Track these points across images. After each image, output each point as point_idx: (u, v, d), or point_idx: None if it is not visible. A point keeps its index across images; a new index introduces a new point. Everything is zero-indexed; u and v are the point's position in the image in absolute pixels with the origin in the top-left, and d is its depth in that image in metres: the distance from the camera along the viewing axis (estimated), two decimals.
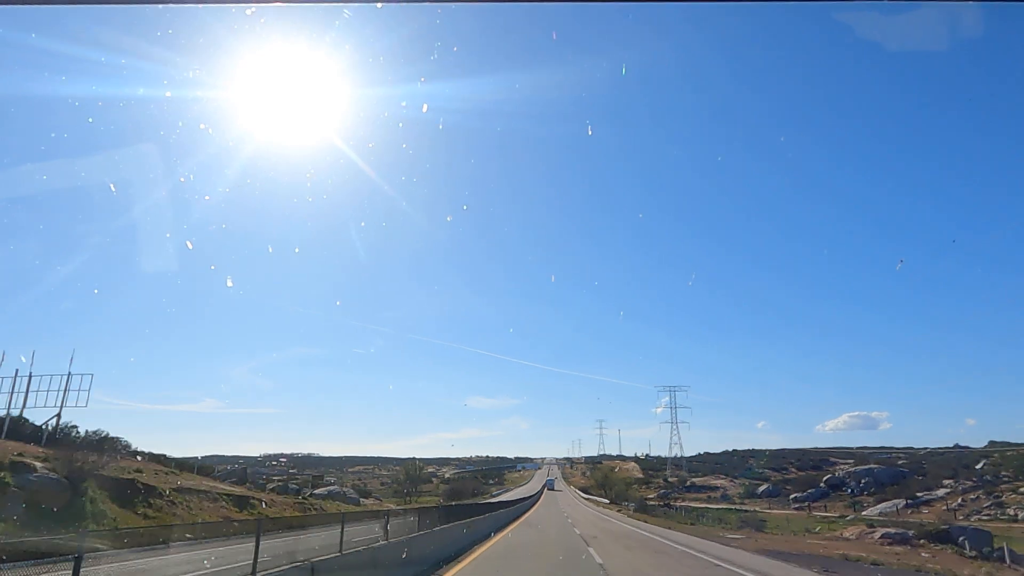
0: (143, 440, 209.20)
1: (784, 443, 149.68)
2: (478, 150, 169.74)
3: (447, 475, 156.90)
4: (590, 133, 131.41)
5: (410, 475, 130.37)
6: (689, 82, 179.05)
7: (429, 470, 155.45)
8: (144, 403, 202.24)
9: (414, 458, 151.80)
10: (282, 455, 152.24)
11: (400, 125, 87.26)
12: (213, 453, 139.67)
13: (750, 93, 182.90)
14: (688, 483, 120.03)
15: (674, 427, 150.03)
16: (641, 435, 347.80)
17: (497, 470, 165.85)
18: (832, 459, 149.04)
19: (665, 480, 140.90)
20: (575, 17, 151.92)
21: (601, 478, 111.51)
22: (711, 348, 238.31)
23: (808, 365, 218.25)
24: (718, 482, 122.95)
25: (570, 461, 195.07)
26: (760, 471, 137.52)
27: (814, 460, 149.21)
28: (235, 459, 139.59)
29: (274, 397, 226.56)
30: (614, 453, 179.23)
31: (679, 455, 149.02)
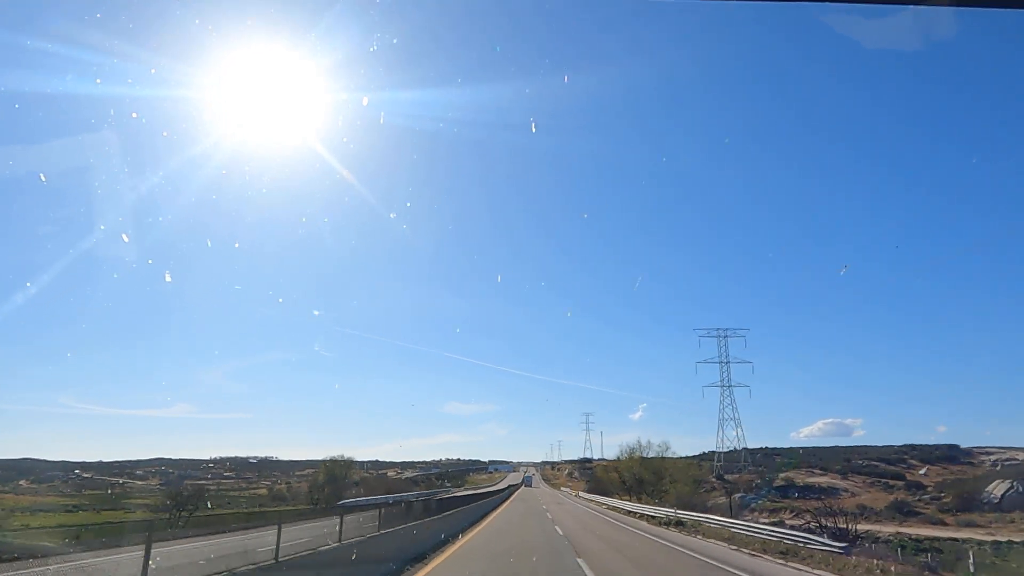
0: (111, 444, 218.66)
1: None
2: (456, 157, 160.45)
3: (405, 476, 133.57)
4: (533, 130, 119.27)
5: (333, 476, 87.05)
6: (676, 82, 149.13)
7: (388, 472, 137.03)
8: (114, 408, 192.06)
9: (378, 459, 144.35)
10: (229, 458, 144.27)
11: (381, 130, 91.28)
12: (159, 456, 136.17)
13: (729, 99, 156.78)
14: (776, 482, 70.86)
15: (725, 394, 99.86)
16: (623, 440, 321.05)
17: (462, 472, 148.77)
18: (965, 446, 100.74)
19: (720, 478, 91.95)
20: (554, 31, 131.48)
21: (630, 473, 62.02)
22: (687, 356, 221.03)
23: (782, 373, 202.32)
24: (822, 479, 74.22)
25: (551, 464, 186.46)
26: (861, 463, 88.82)
27: (920, 453, 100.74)
28: (179, 463, 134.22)
29: (247, 402, 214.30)
30: (596, 457, 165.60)
31: (738, 445, 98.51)
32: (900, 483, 67.81)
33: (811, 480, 73.11)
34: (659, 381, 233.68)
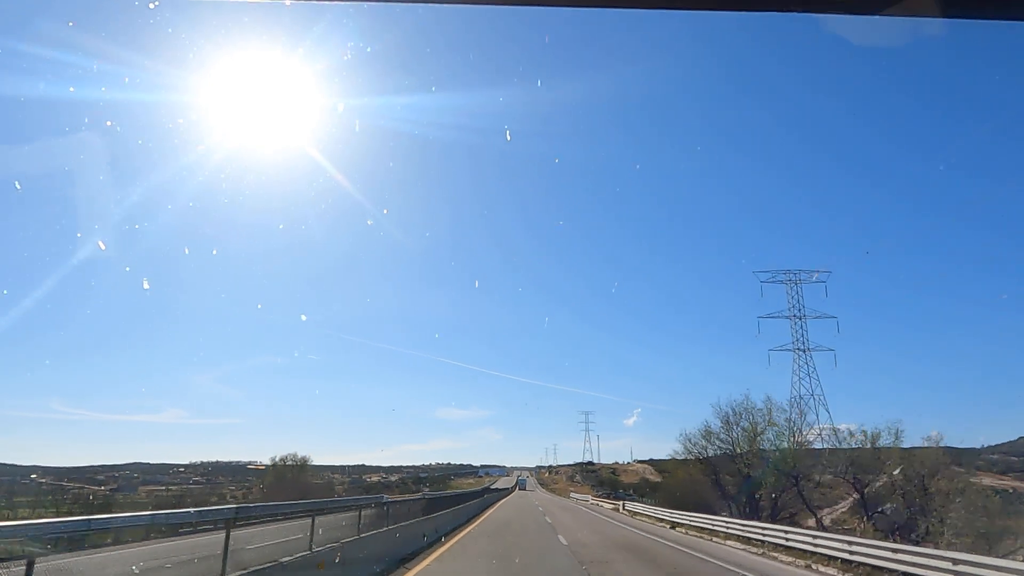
0: (103, 450, 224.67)
1: None
2: (448, 161, 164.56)
3: (386, 480, 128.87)
4: (508, 139, 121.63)
5: (283, 479, 75.75)
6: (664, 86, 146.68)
7: (372, 477, 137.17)
8: (103, 413, 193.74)
9: (365, 463, 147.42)
10: (211, 463, 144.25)
11: (373, 134, 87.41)
12: (135, 461, 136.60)
13: (715, 103, 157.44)
14: (934, 487, 47.40)
15: (802, 359, 75.48)
16: (617, 446, 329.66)
17: (446, 476, 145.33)
18: None
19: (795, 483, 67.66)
20: (556, 37, 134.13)
21: (786, 472, 37.70)
22: (679, 361, 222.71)
23: (778, 378, 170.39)
24: (986, 479, 51.05)
25: (548, 468, 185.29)
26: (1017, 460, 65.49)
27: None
28: (153, 467, 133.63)
29: (239, 407, 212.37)
30: (594, 461, 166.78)
31: (823, 437, 73.87)
32: None
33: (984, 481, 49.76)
34: (658, 382, 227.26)
